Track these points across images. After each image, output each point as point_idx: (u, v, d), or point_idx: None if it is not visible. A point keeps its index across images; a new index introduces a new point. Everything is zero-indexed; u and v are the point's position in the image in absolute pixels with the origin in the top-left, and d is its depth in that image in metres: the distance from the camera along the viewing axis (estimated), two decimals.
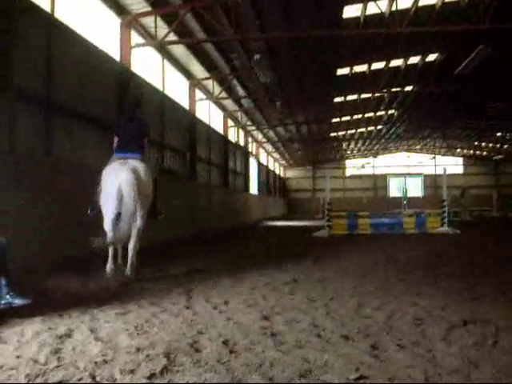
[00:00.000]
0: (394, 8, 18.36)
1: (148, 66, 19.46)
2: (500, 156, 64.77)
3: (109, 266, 7.53)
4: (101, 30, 15.47)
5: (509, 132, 49.63)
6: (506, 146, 59.32)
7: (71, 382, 3.15)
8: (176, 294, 6.20)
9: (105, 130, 14.90)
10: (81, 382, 3.15)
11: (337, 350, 3.77)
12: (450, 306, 5.29)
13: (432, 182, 68.75)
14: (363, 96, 33.92)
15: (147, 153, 8.89)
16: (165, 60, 21.19)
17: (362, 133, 50.73)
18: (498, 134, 50.87)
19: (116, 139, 8.10)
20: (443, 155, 68.09)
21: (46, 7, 12.39)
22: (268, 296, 6.05)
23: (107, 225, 7.18)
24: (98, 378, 3.21)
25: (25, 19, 11.36)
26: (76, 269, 8.47)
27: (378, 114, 41.91)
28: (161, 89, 20.57)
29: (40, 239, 9.17)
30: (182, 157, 22.92)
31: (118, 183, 7.06)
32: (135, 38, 17.66)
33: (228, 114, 33.10)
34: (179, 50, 21.18)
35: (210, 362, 3.51)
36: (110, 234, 7.10)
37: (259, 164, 46.69)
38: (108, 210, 7.18)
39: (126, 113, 8.49)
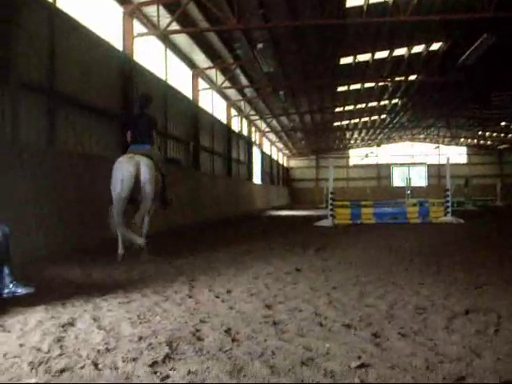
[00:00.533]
0: None
1: (151, 55, 19.44)
2: (504, 145, 64.66)
3: (120, 249, 8.44)
4: (103, 20, 15.46)
5: None
6: (510, 136, 59.14)
7: (74, 369, 3.17)
8: (179, 283, 6.21)
9: (108, 119, 14.94)
10: (83, 369, 3.16)
11: (339, 339, 3.77)
12: (452, 295, 5.29)
13: (435, 172, 68.65)
14: (367, 85, 33.88)
15: (156, 142, 9.85)
16: (167, 49, 21.18)
17: (365, 122, 50.68)
18: (503, 123, 50.70)
19: (129, 133, 9.16)
20: (447, 145, 68.00)
21: None
22: (271, 285, 6.06)
23: (114, 210, 8.27)
24: (100, 366, 3.21)
25: (27, 9, 11.36)
26: (79, 258, 8.54)
27: (382, 103, 41.83)
28: (164, 78, 20.56)
29: (43, 229, 9.20)
30: (186, 146, 22.94)
31: (121, 175, 8.19)
32: (138, 27, 17.64)
33: (231, 104, 33.08)
34: (182, 40, 21.15)
35: (212, 350, 3.52)
36: (116, 218, 8.23)
37: (262, 153, 46.70)
38: (114, 198, 8.28)
39: (137, 109, 9.38)
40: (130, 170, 8.18)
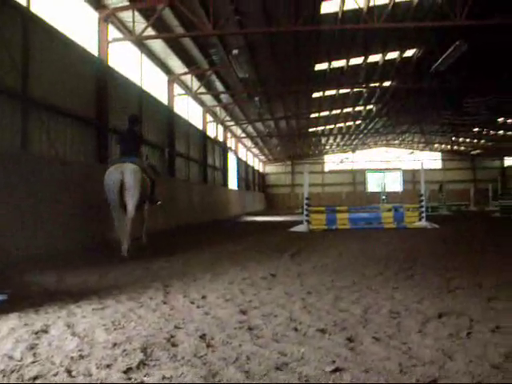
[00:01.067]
0: (371, 3, 18.45)
1: (126, 60, 19.35)
2: (477, 151, 65.56)
3: (123, 247, 9.55)
4: (78, 25, 15.36)
5: (485, 127, 50.13)
6: (482, 141, 59.94)
7: (47, 377, 3.14)
8: (154, 289, 6.19)
9: (82, 124, 14.86)
10: (56, 377, 3.13)
11: (313, 343, 3.79)
12: (426, 299, 5.33)
13: (410, 177, 69.27)
14: (342, 91, 34.05)
15: (143, 155, 11.36)
16: (143, 55, 21.11)
17: (340, 128, 50.96)
18: (475, 129, 51.35)
19: (119, 147, 11.04)
20: (421, 150, 68.70)
21: (22, 1, 12.27)
22: (246, 290, 6.06)
23: (112, 211, 9.92)
24: (73, 373, 3.19)
25: (0, 13, 11.25)
26: (55, 263, 8.47)
27: (357, 109, 42.12)
28: (139, 84, 20.47)
29: (19, 234, 9.12)
30: (161, 152, 22.84)
31: (112, 182, 9.68)
32: (113, 32, 17.56)
33: (207, 110, 33.05)
34: (157, 45, 21.10)
35: (187, 356, 3.51)
36: (115, 218, 9.89)
37: (238, 159, 46.72)
38: (110, 201, 9.85)
39: (127, 127, 10.97)
40: (116, 176, 9.64)
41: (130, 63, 19.85)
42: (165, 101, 24.16)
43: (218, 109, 35.03)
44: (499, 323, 4.23)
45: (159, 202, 11.60)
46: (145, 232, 11.32)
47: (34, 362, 3.42)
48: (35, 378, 3.13)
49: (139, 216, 10.64)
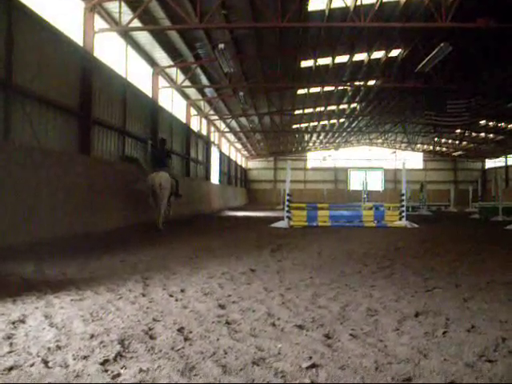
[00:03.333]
0: (358, 2, 18.50)
1: (111, 51, 19.23)
2: (459, 152, 66.05)
3: (161, 225, 14.59)
4: (64, 14, 15.22)
5: (467, 129, 50.48)
6: (464, 143, 60.37)
7: (23, 367, 3.12)
8: (133, 281, 6.17)
9: (66, 114, 14.76)
10: (32, 367, 3.12)
11: (291, 339, 3.80)
12: (403, 298, 5.37)
13: (392, 177, 69.70)
14: (326, 89, 34.11)
15: (171, 164, 15.71)
16: (128, 46, 20.99)
17: (324, 125, 51.05)
18: (458, 130, 51.70)
19: (153, 160, 16.45)
20: (404, 150, 69.04)
21: None
22: (225, 285, 6.07)
23: (151, 202, 14.85)
24: (50, 364, 3.18)
25: None
26: (33, 254, 8.41)
27: (341, 107, 42.22)
28: (124, 75, 20.35)
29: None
30: (144, 144, 22.75)
31: (151, 183, 14.55)
32: (99, 22, 17.44)
33: (191, 103, 32.95)
34: (143, 37, 21.01)
35: (164, 349, 3.51)
36: (152, 205, 14.94)
37: (221, 154, 46.63)
38: (151, 195, 14.67)
39: (159, 146, 16.54)
40: (155, 180, 14.47)
41: (115, 54, 19.73)
42: (149, 93, 24.06)
43: (202, 102, 34.96)
44: (474, 323, 4.28)
45: (181, 194, 16.73)
46: (171, 214, 16.45)
47: (10, 352, 3.40)
48: (11, 368, 3.11)
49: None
